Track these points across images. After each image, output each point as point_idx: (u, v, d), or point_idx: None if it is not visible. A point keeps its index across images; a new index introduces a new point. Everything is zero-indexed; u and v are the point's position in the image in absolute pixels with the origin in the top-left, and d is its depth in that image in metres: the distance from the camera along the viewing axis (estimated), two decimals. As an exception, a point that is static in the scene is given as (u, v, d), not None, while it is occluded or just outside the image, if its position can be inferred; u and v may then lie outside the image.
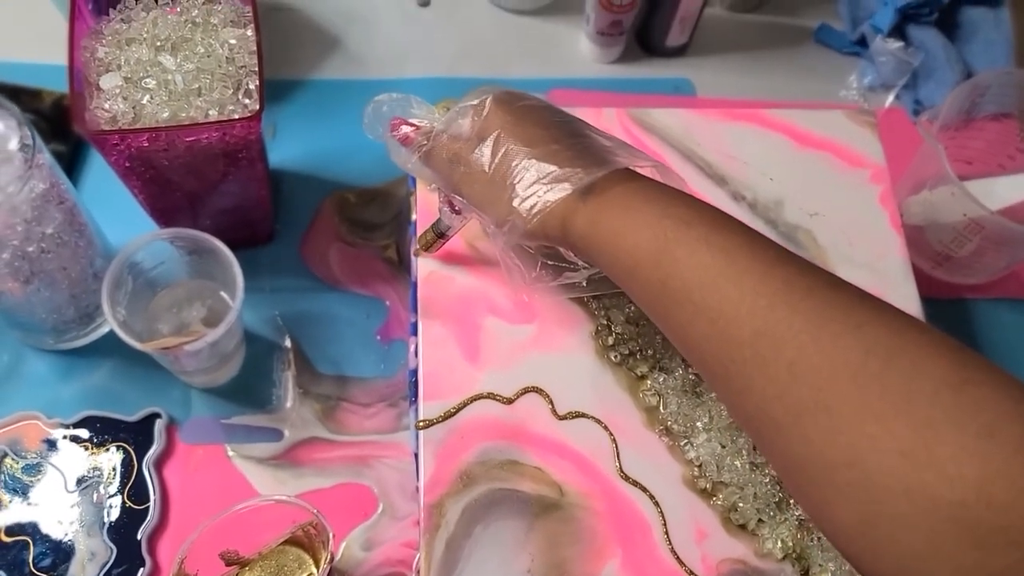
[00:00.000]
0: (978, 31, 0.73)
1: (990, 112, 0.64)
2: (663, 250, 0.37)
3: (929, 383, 0.30)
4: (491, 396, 0.48)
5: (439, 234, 0.49)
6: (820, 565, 0.45)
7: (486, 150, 0.41)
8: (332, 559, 0.47)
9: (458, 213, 0.47)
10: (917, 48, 0.72)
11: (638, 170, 0.42)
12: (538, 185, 0.40)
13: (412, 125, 0.46)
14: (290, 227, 0.62)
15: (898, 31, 0.72)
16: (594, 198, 0.39)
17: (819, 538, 0.46)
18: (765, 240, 0.37)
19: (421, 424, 0.47)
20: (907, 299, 0.52)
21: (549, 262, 0.45)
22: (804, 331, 0.32)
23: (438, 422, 0.47)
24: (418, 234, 0.51)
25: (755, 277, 0.34)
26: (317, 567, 0.48)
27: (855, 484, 0.30)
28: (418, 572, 0.44)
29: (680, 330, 0.37)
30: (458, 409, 0.47)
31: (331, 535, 0.46)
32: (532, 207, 0.40)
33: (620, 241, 0.38)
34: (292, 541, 0.49)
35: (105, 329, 0.57)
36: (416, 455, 0.47)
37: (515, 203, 0.40)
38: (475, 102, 0.43)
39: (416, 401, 0.48)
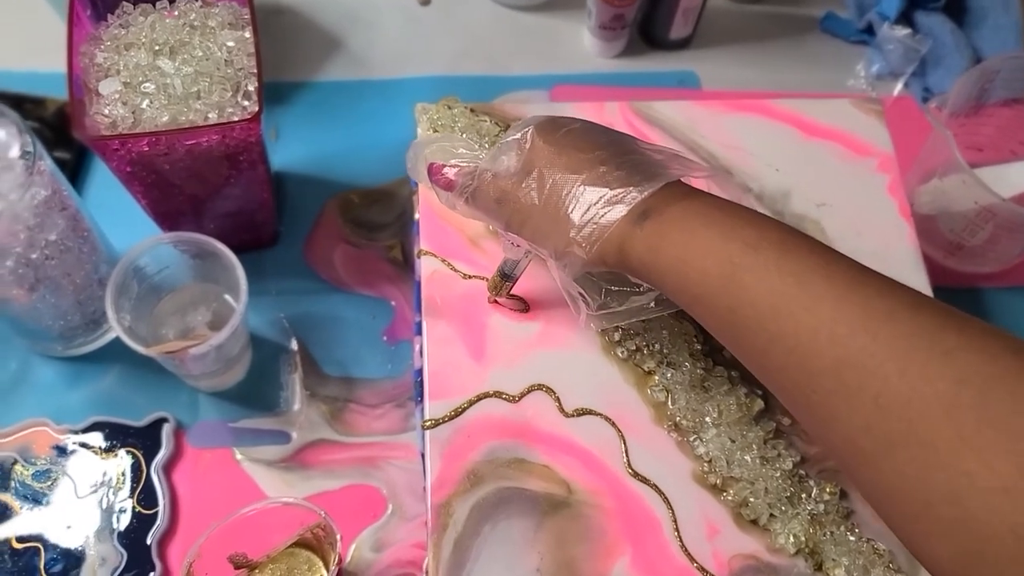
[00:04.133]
0: (987, 16, 0.72)
1: (1001, 98, 0.63)
2: (730, 277, 0.35)
3: None
4: (497, 395, 0.47)
5: (505, 276, 0.47)
6: (834, 560, 0.44)
7: (533, 184, 0.40)
8: (340, 561, 0.47)
9: (519, 246, 0.45)
10: (925, 35, 0.71)
11: (694, 182, 0.40)
12: (593, 211, 0.38)
13: (454, 167, 0.45)
14: (294, 229, 0.62)
15: (905, 18, 0.71)
16: (651, 222, 0.37)
17: (832, 532, 0.45)
18: (839, 258, 0.35)
19: (427, 424, 0.46)
20: (918, 289, 0.51)
21: (613, 288, 0.43)
22: (888, 360, 0.31)
23: (444, 421, 0.46)
24: (488, 279, 0.49)
25: (831, 302, 0.33)
26: (327, 569, 0.48)
27: (955, 521, 0.29)
28: (427, 572, 0.44)
29: (755, 358, 0.36)
30: (464, 408, 0.47)
31: (339, 537, 0.46)
32: (590, 235, 0.38)
33: (683, 268, 0.36)
34: (301, 543, 0.49)
35: (112, 335, 0.57)
36: (423, 455, 0.47)
37: (572, 233, 0.39)
38: (517, 136, 0.41)
39: (422, 401, 0.48)
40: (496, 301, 0.49)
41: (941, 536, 0.30)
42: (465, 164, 0.44)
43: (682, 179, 0.40)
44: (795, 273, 0.34)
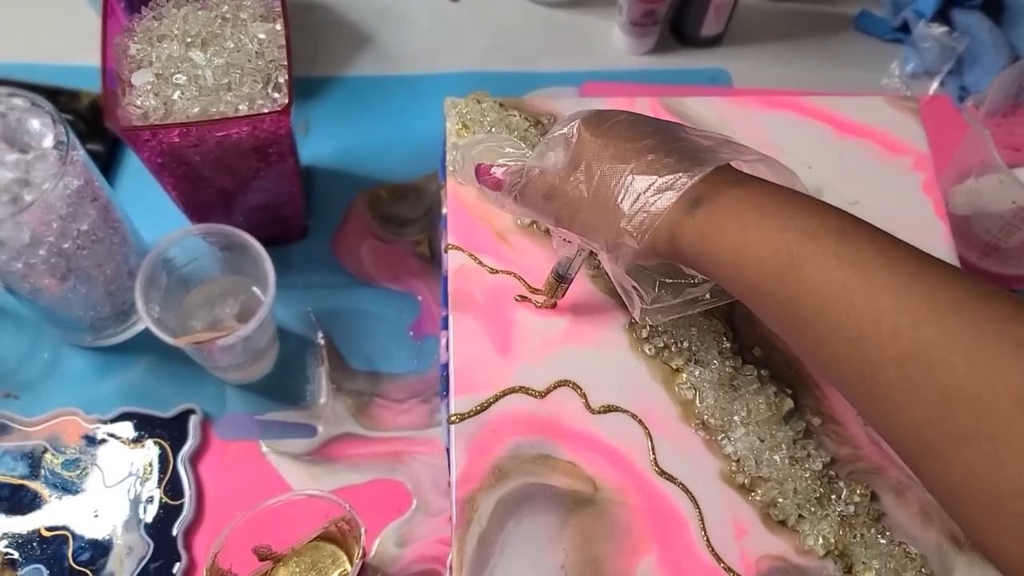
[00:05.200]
0: (1026, 14, 0.71)
1: (1039, 97, 0.61)
2: (788, 267, 0.34)
3: None
4: (523, 390, 0.47)
5: (560, 277, 0.47)
6: (864, 563, 0.44)
7: (582, 176, 0.40)
8: (364, 555, 0.47)
9: (571, 242, 0.44)
10: (962, 33, 0.69)
11: (745, 167, 0.39)
12: (643, 199, 0.37)
13: (501, 166, 0.45)
14: (322, 223, 0.62)
15: (942, 16, 0.70)
16: (703, 210, 0.36)
17: (862, 535, 0.44)
18: (900, 246, 0.34)
19: (453, 418, 0.46)
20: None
21: (667, 280, 0.42)
22: (955, 352, 0.30)
23: (470, 416, 0.46)
24: (543, 283, 0.49)
25: (893, 292, 0.31)
26: (351, 563, 0.48)
27: None
28: (451, 568, 0.44)
29: (813, 350, 0.35)
30: (490, 403, 0.46)
31: (363, 530, 0.46)
32: (641, 223, 0.38)
33: (738, 258, 0.35)
34: (326, 537, 0.49)
35: (141, 326, 0.58)
36: (448, 450, 0.47)
37: (623, 224, 0.38)
38: (564, 130, 0.41)
39: (448, 395, 0.47)
40: (523, 297, 0.49)
41: (1010, 531, 0.29)
42: (512, 163, 0.44)
43: (732, 165, 0.39)
44: (855, 262, 0.33)
